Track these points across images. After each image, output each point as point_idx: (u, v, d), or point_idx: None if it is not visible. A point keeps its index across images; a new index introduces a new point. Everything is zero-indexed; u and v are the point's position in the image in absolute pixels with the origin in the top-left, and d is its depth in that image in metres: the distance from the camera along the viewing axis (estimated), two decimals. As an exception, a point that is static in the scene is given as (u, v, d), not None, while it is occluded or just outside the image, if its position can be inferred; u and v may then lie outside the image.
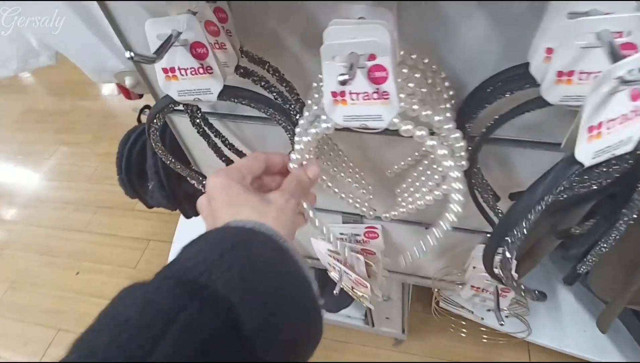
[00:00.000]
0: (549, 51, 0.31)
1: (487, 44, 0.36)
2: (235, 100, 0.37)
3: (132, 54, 0.29)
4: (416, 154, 0.49)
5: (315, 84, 0.41)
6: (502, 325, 0.59)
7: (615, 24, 0.26)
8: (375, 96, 0.29)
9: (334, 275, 0.72)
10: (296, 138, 0.37)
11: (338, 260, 0.64)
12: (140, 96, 0.84)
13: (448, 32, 0.35)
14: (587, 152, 0.28)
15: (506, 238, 0.35)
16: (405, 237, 0.67)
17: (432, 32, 0.36)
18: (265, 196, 0.33)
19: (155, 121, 0.40)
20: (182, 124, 0.56)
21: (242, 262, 0.26)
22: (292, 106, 0.41)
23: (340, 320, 1.30)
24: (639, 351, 1.03)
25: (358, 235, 0.67)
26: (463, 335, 0.82)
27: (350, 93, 0.30)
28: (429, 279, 0.79)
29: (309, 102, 0.41)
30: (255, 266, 0.26)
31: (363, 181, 0.52)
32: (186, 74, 0.35)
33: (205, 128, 0.50)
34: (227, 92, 0.37)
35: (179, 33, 0.32)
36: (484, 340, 0.86)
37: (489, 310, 0.82)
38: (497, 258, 0.38)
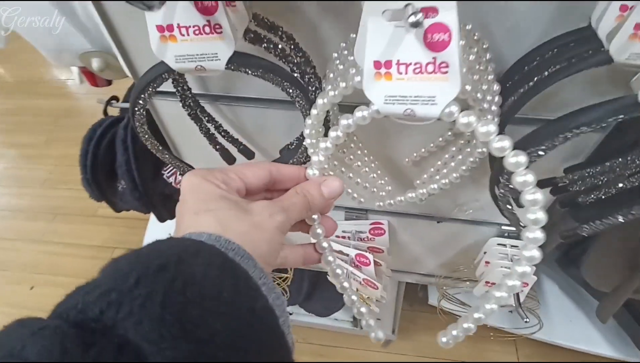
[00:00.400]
0: (625, 8, 0.27)
1: (538, 6, 0.32)
2: (248, 70, 0.30)
3: None
4: (440, 140, 0.44)
5: (335, 54, 0.35)
6: (527, 321, 0.56)
7: None
8: (430, 67, 0.24)
9: (334, 279, 0.66)
10: (310, 125, 0.31)
11: (343, 261, 0.58)
12: (109, 83, 0.74)
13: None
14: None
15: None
16: (413, 232, 0.62)
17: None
18: (247, 205, 0.26)
19: (142, 97, 0.32)
20: (165, 108, 0.48)
21: (167, 291, 0.18)
22: (311, 81, 0.34)
23: (328, 323, 1.24)
24: (623, 338, 1.05)
25: (362, 232, 0.61)
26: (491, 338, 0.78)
27: (400, 63, 0.24)
28: (431, 276, 0.75)
29: (331, 75, 0.35)
30: (189, 296, 0.19)
31: (379, 171, 0.46)
32: (188, 34, 0.28)
33: (197, 111, 0.42)
34: (238, 60, 0.30)
35: None
36: (491, 337, 0.83)
37: (491, 306, 0.79)
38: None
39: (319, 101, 0.29)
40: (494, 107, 0.29)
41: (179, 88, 0.39)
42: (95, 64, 0.57)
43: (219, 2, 0.27)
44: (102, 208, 1.81)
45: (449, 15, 0.22)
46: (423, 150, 0.45)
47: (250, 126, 0.49)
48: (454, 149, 0.42)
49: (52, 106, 2.30)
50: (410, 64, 0.23)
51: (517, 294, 0.56)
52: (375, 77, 0.24)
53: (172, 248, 0.21)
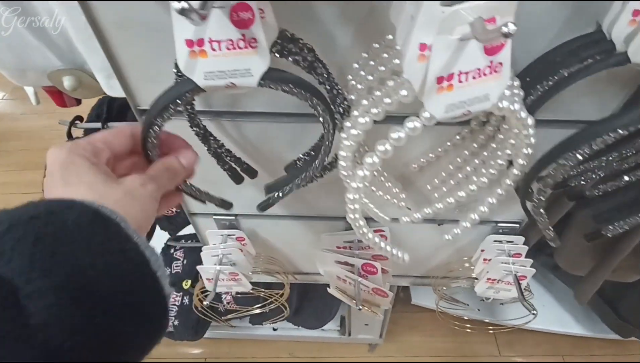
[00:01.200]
0: (637, 12, 0.29)
1: (552, 12, 0.33)
2: (279, 86, 0.29)
3: (185, 4, 0.20)
4: (448, 144, 0.44)
5: (356, 65, 0.34)
6: (534, 314, 0.58)
7: None
8: (487, 70, 0.24)
9: (335, 292, 0.65)
10: (349, 135, 0.30)
11: (350, 271, 0.57)
12: (79, 102, 0.68)
13: None
14: None
15: (561, 159, 0.31)
16: (414, 236, 0.63)
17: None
18: (119, 178, 0.27)
19: (160, 118, 0.29)
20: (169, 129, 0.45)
21: (38, 234, 0.19)
22: (339, 94, 0.33)
23: (315, 335, 1.22)
24: (592, 317, 1.13)
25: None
26: (469, 330, 0.80)
27: (461, 73, 0.24)
28: (426, 278, 0.76)
29: (359, 86, 0.34)
30: (60, 237, 0.20)
31: (392, 179, 0.46)
32: (220, 49, 0.25)
33: (205, 131, 0.40)
34: (270, 75, 0.28)
35: None
36: (490, 331, 0.86)
37: (482, 300, 0.82)
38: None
39: (361, 120, 0.28)
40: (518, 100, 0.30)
41: (187, 107, 0.36)
42: (67, 82, 0.52)
43: (255, 14, 0.25)
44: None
45: (510, 23, 0.22)
46: (431, 155, 0.46)
47: (255, 140, 0.47)
48: (466, 152, 0.42)
49: (-16, 130, 2.09)
50: (470, 71, 0.23)
51: (520, 287, 0.58)
52: (437, 91, 0.24)
53: (44, 204, 0.22)
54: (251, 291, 0.63)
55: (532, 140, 0.28)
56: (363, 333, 1.18)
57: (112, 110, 0.77)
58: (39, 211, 0.21)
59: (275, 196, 0.42)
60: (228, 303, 1.04)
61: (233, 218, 0.61)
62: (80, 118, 0.77)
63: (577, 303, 1.09)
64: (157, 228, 0.92)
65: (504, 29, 0.19)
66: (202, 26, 0.25)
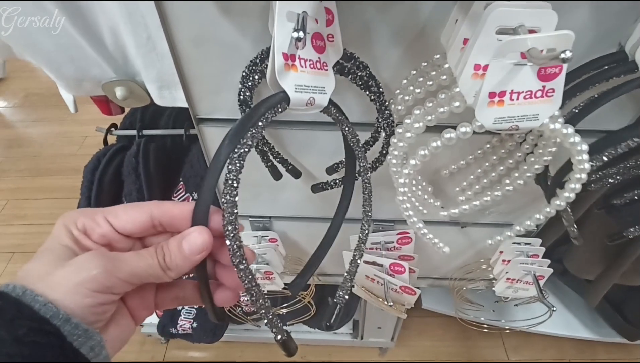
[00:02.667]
0: (657, 37, 0.33)
1: (580, 35, 0.37)
2: (336, 116, 0.32)
3: (301, 34, 0.24)
4: (479, 152, 0.48)
5: (405, 80, 0.38)
6: (554, 310, 0.62)
7: None
8: (538, 94, 0.28)
9: (360, 292, 0.69)
10: (399, 142, 0.34)
11: (379, 270, 0.61)
12: (122, 111, 0.72)
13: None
14: None
15: (593, 157, 0.35)
16: (439, 238, 0.66)
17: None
18: (77, 256, 0.24)
19: (257, 127, 0.31)
20: (214, 135, 0.49)
21: None
22: (387, 109, 0.37)
23: (327, 338, 1.25)
24: (598, 321, 1.16)
25: (391, 242, 0.64)
26: (486, 331, 0.84)
27: (512, 92, 0.28)
28: (444, 279, 0.79)
29: (407, 98, 0.38)
30: None
31: (424, 183, 0.50)
32: (306, 66, 0.29)
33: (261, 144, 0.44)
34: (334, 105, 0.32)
35: (306, 16, 0.27)
36: (507, 331, 0.89)
37: (496, 302, 0.85)
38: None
39: (416, 125, 0.32)
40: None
41: (244, 109, 0.40)
42: (119, 92, 0.56)
43: (327, 44, 0.29)
44: (68, 242, 1.69)
45: (567, 52, 0.26)
46: (462, 162, 0.50)
47: (299, 146, 0.50)
48: (494, 158, 0.47)
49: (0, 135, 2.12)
50: (522, 92, 0.27)
51: (539, 285, 0.61)
52: (488, 105, 0.28)
53: None
54: (282, 290, 0.67)
55: (587, 166, 0.32)
56: (375, 337, 1.21)
57: (145, 118, 0.80)
58: None
59: (331, 182, 0.47)
60: (246, 305, 1.07)
61: (267, 219, 0.64)
62: (115, 126, 0.81)
63: (587, 305, 1.13)
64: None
65: (562, 55, 0.23)
66: (291, 44, 0.29)
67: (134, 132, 0.75)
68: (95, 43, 0.52)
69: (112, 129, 0.79)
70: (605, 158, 0.34)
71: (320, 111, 0.32)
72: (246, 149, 0.27)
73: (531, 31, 0.27)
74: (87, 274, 0.23)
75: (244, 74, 0.38)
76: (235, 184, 0.26)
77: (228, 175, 0.26)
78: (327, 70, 0.30)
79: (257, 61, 0.37)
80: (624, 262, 0.74)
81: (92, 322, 0.23)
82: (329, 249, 0.39)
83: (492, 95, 0.28)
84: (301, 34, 0.24)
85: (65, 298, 0.22)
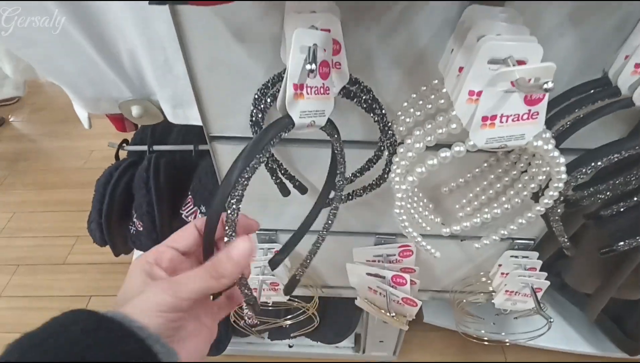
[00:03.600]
0: (638, 65, 0.36)
1: (567, 62, 0.40)
2: (332, 133, 0.35)
3: (313, 66, 0.27)
4: (477, 170, 0.51)
5: (406, 103, 0.41)
6: (552, 321, 0.63)
7: None
8: (525, 116, 0.31)
9: (362, 303, 0.70)
10: (400, 161, 0.37)
11: (381, 282, 0.63)
12: (136, 127, 0.75)
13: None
14: None
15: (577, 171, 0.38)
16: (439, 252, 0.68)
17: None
18: (153, 281, 0.30)
19: (264, 150, 0.34)
20: (226, 151, 0.52)
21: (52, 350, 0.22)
22: (389, 130, 0.40)
23: (329, 352, 1.25)
24: (598, 336, 1.17)
25: (392, 254, 0.66)
26: (487, 344, 0.85)
27: (502, 116, 0.31)
28: (445, 292, 0.81)
29: (407, 120, 0.41)
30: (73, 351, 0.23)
31: (425, 199, 0.52)
32: (311, 93, 0.32)
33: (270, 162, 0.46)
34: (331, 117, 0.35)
35: (317, 48, 0.30)
36: (507, 344, 0.90)
37: (496, 315, 0.87)
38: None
39: (417, 145, 0.35)
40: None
41: (255, 130, 0.43)
42: (135, 111, 0.59)
43: (332, 70, 0.32)
44: (73, 254, 1.71)
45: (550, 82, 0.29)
46: (461, 180, 0.53)
47: (305, 163, 0.53)
48: (492, 176, 0.49)
49: (4, 149, 2.16)
50: (511, 115, 0.30)
51: (537, 298, 0.63)
52: (481, 128, 0.31)
53: (55, 324, 0.24)
54: (287, 301, 0.68)
55: (564, 176, 0.35)
56: (377, 351, 1.22)
57: (155, 134, 0.84)
58: (51, 331, 0.24)
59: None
60: (249, 318, 1.08)
61: (273, 232, 0.67)
62: (126, 141, 0.84)
63: (586, 319, 1.14)
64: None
65: (545, 86, 0.26)
66: (301, 74, 0.32)
67: (145, 147, 0.78)
68: (114, 66, 0.55)
69: (124, 144, 0.82)
70: (586, 171, 0.36)
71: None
72: (257, 167, 0.31)
73: (520, 62, 0.30)
74: (154, 299, 0.27)
75: (256, 96, 0.41)
76: (241, 193, 0.31)
77: (237, 188, 0.30)
78: (328, 94, 0.33)
79: (269, 84, 0.41)
80: (621, 275, 0.76)
81: (167, 337, 0.27)
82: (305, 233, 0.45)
83: (484, 118, 0.31)
84: (314, 66, 0.27)
85: (144, 321, 0.26)
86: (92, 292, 1.57)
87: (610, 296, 0.82)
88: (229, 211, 0.30)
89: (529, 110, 0.30)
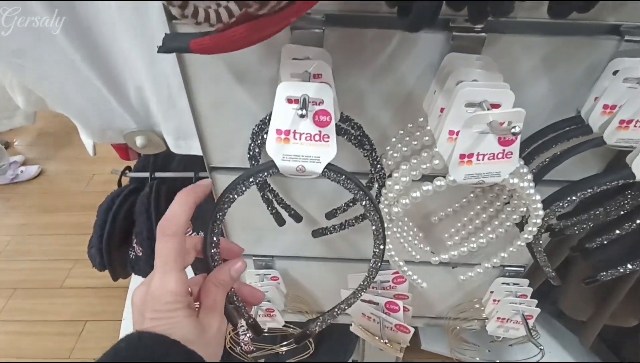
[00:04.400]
0: (606, 106, 0.39)
1: (543, 101, 0.43)
2: (337, 176, 0.35)
3: (304, 112, 0.29)
4: (464, 200, 0.54)
5: (394, 138, 0.44)
6: (542, 349, 0.64)
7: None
8: (500, 155, 0.34)
9: (357, 330, 0.71)
10: (388, 193, 0.39)
11: (375, 309, 0.64)
12: (139, 156, 0.78)
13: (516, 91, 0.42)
14: None
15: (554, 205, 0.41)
16: (429, 279, 0.70)
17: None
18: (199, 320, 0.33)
19: (242, 186, 0.37)
20: (224, 183, 0.54)
21: None
22: (378, 165, 0.43)
23: (326, 379, 1.24)
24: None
25: (386, 281, 0.68)
26: None
27: (479, 154, 0.33)
28: (440, 319, 0.82)
29: (395, 155, 0.44)
30: None
31: (415, 229, 0.54)
32: (300, 139, 0.34)
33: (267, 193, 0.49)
34: (332, 166, 0.35)
35: (308, 98, 0.32)
36: None
37: (491, 342, 0.87)
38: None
39: (403, 179, 0.38)
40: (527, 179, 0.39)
41: (253, 163, 0.45)
42: (139, 141, 0.62)
43: (332, 118, 0.34)
44: (70, 277, 1.71)
45: (521, 124, 0.32)
46: (449, 210, 0.55)
47: (301, 193, 0.56)
48: (478, 207, 0.52)
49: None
50: (487, 154, 0.33)
51: (528, 324, 0.64)
52: (459, 164, 0.33)
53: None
54: (282, 328, 0.69)
55: (541, 212, 0.37)
56: (374, 378, 1.20)
57: (157, 162, 0.86)
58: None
59: (330, 228, 0.52)
60: (245, 344, 1.08)
61: (270, 258, 0.69)
62: (129, 168, 0.86)
63: (582, 347, 1.14)
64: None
65: (513, 130, 0.29)
66: (292, 122, 0.34)
67: (147, 174, 0.81)
68: (121, 99, 0.59)
69: (127, 171, 0.85)
70: (563, 205, 0.39)
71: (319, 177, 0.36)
72: (236, 197, 0.36)
73: (494, 105, 0.33)
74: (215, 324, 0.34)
75: (254, 131, 0.44)
76: (221, 217, 0.37)
77: (218, 214, 0.36)
78: (327, 141, 0.35)
79: (266, 120, 0.43)
80: (612, 303, 0.77)
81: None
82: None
83: (462, 156, 0.33)
84: (304, 111, 0.30)
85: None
86: (87, 317, 1.56)
87: (603, 323, 0.82)
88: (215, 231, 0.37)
89: (503, 150, 0.33)
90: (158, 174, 0.82)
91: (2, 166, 2.05)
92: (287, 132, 0.34)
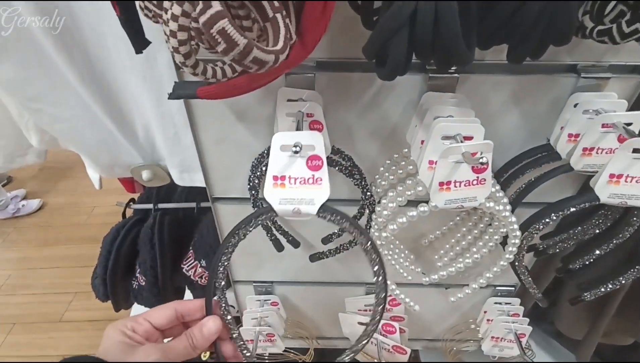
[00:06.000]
0: (570, 135, 0.44)
1: (515, 131, 0.48)
2: (332, 216, 0.38)
3: (298, 148, 0.34)
4: (451, 223, 0.57)
5: (382, 168, 0.49)
6: None
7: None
8: (475, 182, 0.38)
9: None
10: (378, 218, 0.43)
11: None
12: (144, 188, 0.82)
13: (489, 124, 0.47)
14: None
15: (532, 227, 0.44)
16: (423, 301, 0.72)
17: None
18: (137, 347, 0.36)
19: (243, 230, 0.40)
20: (227, 211, 0.58)
21: None
22: (368, 193, 0.47)
23: (328, 409, 1.22)
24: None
25: (382, 304, 0.70)
26: None
27: (456, 181, 0.37)
28: (437, 341, 0.83)
29: (383, 183, 0.47)
30: None
31: (406, 251, 0.58)
32: (295, 183, 0.37)
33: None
34: (327, 207, 0.38)
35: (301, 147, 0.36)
36: None
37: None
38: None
39: (390, 205, 0.42)
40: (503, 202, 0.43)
41: (252, 193, 0.49)
42: (145, 175, 0.66)
43: (324, 162, 0.38)
44: (70, 311, 1.70)
45: (489, 155, 0.36)
46: (438, 232, 0.58)
47: (296, 220, 0.59)
48: (463, 229, 0.55)
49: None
50: (463, 181, 0.37)
51: (520, 343, 0.66)
52: (439, 191, 0.37)
53: None
54: (283, 353, 0.71)
55: (518, 233, 0.41)
56: (377, 406, 1.20)
57: (160, 193, 0.90)
58: None
59: (327, 252, 0.56)
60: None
61: (270, 284, 0.71)
62: (133, 200, 0.90)
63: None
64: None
65: (481, 160, 0.33)
66: (288, 167, 0.38)
67: (150, 206, 0.85)
68: (130, 137, 0.63)
69: (131, 203, 0.88)
70: (539, 227, 0.42)
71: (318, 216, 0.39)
72: (238, 240, 0.40)
73: (467, 138, 0.38)
74: (153, 357, 0.36)
75: (253, 164, 0.48)
76: (225, 262, 0.40)
77: (222, 257, 0.40)
78: (320, 184, 0.38)
79: (265, 154, 0.48)
80: (603, 320, 0.79)
81: None
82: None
83: (441, 184, 0.37)
84: (298, 148, 0.34)
85: None
86: (85, 350, 1.53)
87: (597, 341, 0.84)
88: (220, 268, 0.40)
89: (477, 177, 0.37)
90: (161, 206, 0.85)
91: (1, 202, 2.08)
92: (283, 177, 0.38)
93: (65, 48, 0.53)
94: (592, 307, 0.86)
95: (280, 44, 0.24)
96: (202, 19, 0.21)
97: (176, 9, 0.22)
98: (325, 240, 0.59)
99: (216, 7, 0.21)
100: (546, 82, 0.44)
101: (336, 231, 0.57)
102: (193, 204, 0.82)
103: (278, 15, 0.26)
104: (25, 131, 0.65)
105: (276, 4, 0.26)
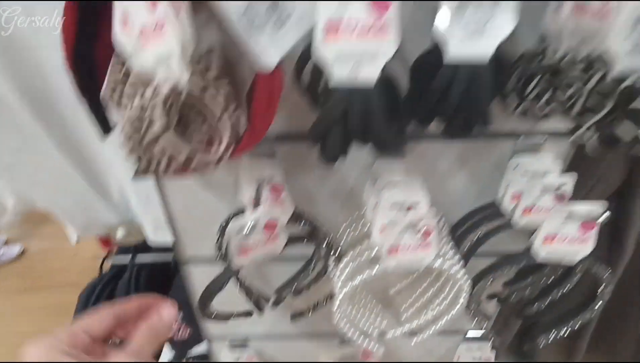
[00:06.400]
0: (514, 195, 0.47)
1: (465, 190, 0.52)
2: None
3: (253, 223, 0.36)
4: (412, 276, 0.60)
5: (345, 223, 0.51)
6: None
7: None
8: (421, 247, 0.41)
9: None
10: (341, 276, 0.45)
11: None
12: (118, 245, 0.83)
13: (441, 185, 0.50)
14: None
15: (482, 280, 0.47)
16: (400, 347, 0.73)
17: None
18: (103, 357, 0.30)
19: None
20: (199, 275, 0.59)
21: None
22: (330, 251, 0.49)
23: None
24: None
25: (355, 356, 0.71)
26: None
27: (404, 246, 0.40)
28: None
29: (348, 239, 0.50)
30: None
31: (373, 301, 0.59)
32: (256, 249, 0.42)
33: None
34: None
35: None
36: None
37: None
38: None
39: (351, 264, 0.44)
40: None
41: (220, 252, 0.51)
42: (120, 233, 0.68)
43: (278, 226, 0.41)
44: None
45: (432, 221, 0.39)
46: (398, 285, 0.61)
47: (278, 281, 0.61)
48: (425, 284, 0.57)
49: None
50: (411, 245, 0.40)
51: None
52: (389, 254, 0.40)
53: None
54: (259, 408, 0.70)
55: (465, 287, 0.44)
56: None
57: (138, 247, 0.91)
58: None
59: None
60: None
61: (244, 339, 0.71)
62: (109, 253, 0.91)
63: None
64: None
65: (423, 229, 0.36)
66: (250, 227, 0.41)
67: (127, 260, 0.85)
68: (105, 197, 0.65)
69: (106, 258, 0.89)
70: (491, 278, 0.45)
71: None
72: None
73: (414, 203, 0.41)
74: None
75: (222, 226, 0.51)
76: None
77: None
78: (277, 240, 0.43)
79: (231, 217, 0.50)
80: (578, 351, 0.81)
81: None
82: None
83: (392, 249, 0.40)
84: (252, 222, 0.37)
85: None
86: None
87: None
88: None
89: (424, 241, 0.40)
90: (138, 260, 0.86)
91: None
92: (245, 250, 0.41)
93: (41, 116, 0.56)
94: (562, 348, 0.88)
95: (223, 147, 0.27)
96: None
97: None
98: (294, 317, 0.61)
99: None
100: (488, 146, 0.48)
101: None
102: (169, 258, 0.83)
103: (225, 115, 0.29)
104: (1, 195, 0.67)
105: (221, 100, 0.30)
